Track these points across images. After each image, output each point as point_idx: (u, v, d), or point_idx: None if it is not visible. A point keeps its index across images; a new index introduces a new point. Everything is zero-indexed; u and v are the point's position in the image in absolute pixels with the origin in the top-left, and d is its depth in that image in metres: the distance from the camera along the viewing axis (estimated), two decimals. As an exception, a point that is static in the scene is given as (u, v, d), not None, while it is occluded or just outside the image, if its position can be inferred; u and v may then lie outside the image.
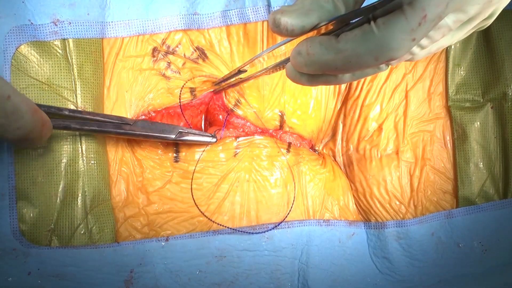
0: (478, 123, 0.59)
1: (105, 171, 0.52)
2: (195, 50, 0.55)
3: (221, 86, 0.55)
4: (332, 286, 0.57)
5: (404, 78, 0.59)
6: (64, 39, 0.49)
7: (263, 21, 0.55)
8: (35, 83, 0.49)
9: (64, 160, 0.50)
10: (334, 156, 0.63)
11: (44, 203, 0.49)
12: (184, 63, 0.55)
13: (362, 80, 0.58)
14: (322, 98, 0.60)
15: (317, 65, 0.36)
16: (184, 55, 0.55)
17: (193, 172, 0.54)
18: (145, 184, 0.54)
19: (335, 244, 0.58)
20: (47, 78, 0.49)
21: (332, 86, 0.61)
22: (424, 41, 0.36)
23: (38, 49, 0.49)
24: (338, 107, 0.62)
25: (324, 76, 0.39)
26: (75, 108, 0.50)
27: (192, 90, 0.55)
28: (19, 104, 0.38)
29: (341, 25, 0.36)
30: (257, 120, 0.58)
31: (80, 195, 0.50)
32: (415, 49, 0.37)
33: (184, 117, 0.55)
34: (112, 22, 0.51)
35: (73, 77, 0.50)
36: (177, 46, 0.54)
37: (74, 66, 0.50)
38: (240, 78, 0.52)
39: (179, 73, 0.55)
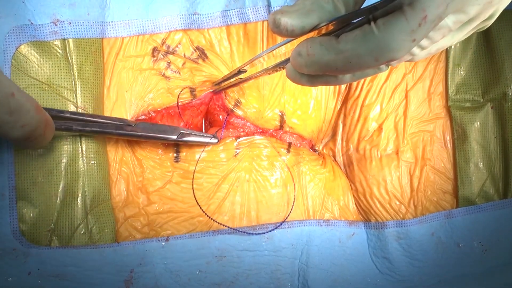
0: (478, 123, 0.59)
1: (105, 171, 0.52)
2: (195, 50, 0.55)
3: (221, 86, 0.55)
4: (332, 286, 0.58)
5: (404, 78, 0.59)
6: (64, 39, 0.49)
7: (263, 21, 0.55)
8: (35, 83, 0.49)
9: (64, 160, 0.50)
10: (334, 156, 0.63)
11: (44, 203, 0.49)
12: (184, 63, 0.55)
13: (362, 80, 0.58)
14: (322, 98, 0.61)
15: (317, 66, 0.36)
16: (184, 55, 0.55)
17: (194, 172, 0.54)
18: (145, 184, 0.54)
19: (335, 244, 0.58)
20: (47, 78, 0.49)
21: (332, 86, 0.61)
22: (424, 42, 0.36)
23: (38, 49, 0.49)
24: (338, 107, 0.62)
25: (324, 76, 0.39)
26: (75, 109, 0.50)
27: (192, 90, 0.55)
28: (23, 102, 0.38)
29: (342, 25, 0.36)
30: (257, 120, 0.58)
31: (80, 195, 0.50)
32: (415, 49, 0.37)
33: (182, 118, 0.55)
34: (112, 22, 0.51)
35: (73, 77, 0.50)
36: (177, 46, 0.54)
37: (74, 66, 0.50)
38: (240, 78, 0.52)
39: (179, 73, 0.55)
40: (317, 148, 0.63)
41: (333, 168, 0.61)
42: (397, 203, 0.58)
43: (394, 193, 0.58)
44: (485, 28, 0.40)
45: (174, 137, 0.52)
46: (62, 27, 0.49)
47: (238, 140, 0.57)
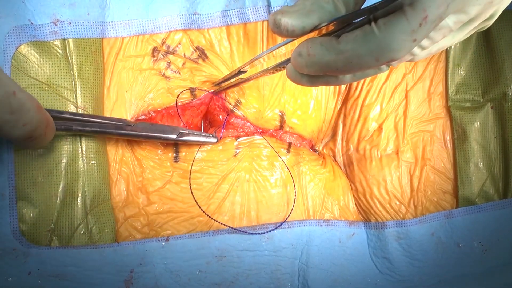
0: (478, 123, 0.59)
1: (105, 171, 0.52)
2: (195, 50, 0.55)
3: (221, 86, 0.55)
4: (332, 286, 0.58)
5: (404, 78, 0.59)
6: (64, 39, 0.49)
7: (263, 21, 0.55)
8: (35, 83, 0.49)
9: (64, 160, 0.50)
10: (334, 156, 0.63)
11: (44, 203, 0.49)
12: (184, 63, 0.55)
13: (362, 80, 0.58)
14: (322, 98, 0.60)
15: (317, 66, 0.36)
16: (184, 55, 0.55)
17: (190, 171, 0.54)
18: (145, 184, 0.54)
19: (335, 244, 0.58)
20: (47, 78, 0.49)
21: (332, 86, 0.61)
22: (424, 42, 0.36)
23: (38, 49, 0.49)
24: (338, 107, 0.62)
25: (324, 76, 0.39)
26: (75, 109, 0.50)
27: (192, 90, 0.55)
28: (25, 101, 0.38)
29: (342, 26, 0.36)
30: (257, 120, 0.58)
31: (80, 195, 0.50)
32: (416, 49, 0.37)
33: (181, 119, 0.55)
34: (112, 22, 0.51)
35: (73, 77, 0.50)
36: (177, 46, 0.54)
37: (74, 66, 0.50)
38: (240, 78, 0.52)
39: (179, 73, 0.55)
40: (317, 148, 0.63)
41: (333, 168, 0.61)
42: (397, 203, 0.58)
43: (394, 193, 0.58)
44: (486, 28, 0.40)
45: (174, 136, 0.52)
46: (62, 27, 0.49)
47: (238, 140, 0.57)
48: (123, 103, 0.53)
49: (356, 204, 0.60)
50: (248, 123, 0.58)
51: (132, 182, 0.54)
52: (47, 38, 0.49)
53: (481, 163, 0.60)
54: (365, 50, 0.32)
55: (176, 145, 0.55)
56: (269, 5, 0.54)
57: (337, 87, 0.61)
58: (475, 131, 0.59)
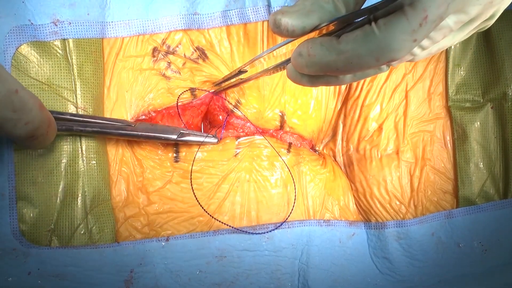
0: (478, 123, 0.59)
1: (105, 171, 0.52)
2: (195, 50, 0.55)
3: (221, 86, 0.55)
4: (332, 286, 0.58)
5: (404, 78, 0.59)
6: (64, 39, 0.49)
7: (263, 21, 0.55)
8: (35, 83, 0.49)
9: (64, 160, 0.50)
10: (334, 156, 0.63)
11: (44, 203, 0.49)
12: (184, 63, 0.55)
13: (362, 80, 0.58)
14: (323, 98, 0.60)
15: (318, 66, 0.36)
16: (184, 55, 0.55)
17: (191, 171, 0.54)
18: (145, 184, 0.54)
19: (336, 244, 0.58)
20: (47, 78, 0.49)
21: (332, 87, 0.61)
22: (425, 42, 0.35)
23: (38, 49, 0.49)
24: (339, 107, 0.62)
25: (325, 76, 0.39)
26: (75, 110, 0.50)
27: (192, 91, 0.55)
28: (27, 99, 0.38)
29: (342, 26, 0.36)
30: (257, 121, 0.58)
31: (80, 195, 0.50)
32: (416, 49, 0.37)
33: (182, 119, 0.55)
34: (112, 22, 0.51)
35: (73, 77, 0.50)
36: (177, 46, 0.54)
37: (74, 66, 0.50)
38: (241, 78, 0.52)
39: (179, 73, 0.55)
40: (317, 148, 0.63)
41: (333, 168, 0.61)
42: (397, 203, 0.58)
43: (394, 193, 0.58)
44: (486, 28, 0.40)
45: (174, 137, 0.52)
46: (62, 27, 0.49)
47: (238, 140, 0.57)
48: (123, 103, 0.53)
49: (356, 204, 0.60)
50: (248, 123, 0.58)
51: (132, 182, 0.54)
52: (47, 38, 0.49)
53: (481, 163, 0.60)
54: (365, 50, 0.32)
55: (176, 145, 0.55)
56: (269, 5, 0.54)
57: (337, 87, 0.61)
58: (475, 131, 0.59)
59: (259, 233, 0.54)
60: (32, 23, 0.48)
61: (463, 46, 0.59)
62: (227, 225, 0.54)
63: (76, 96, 0.50)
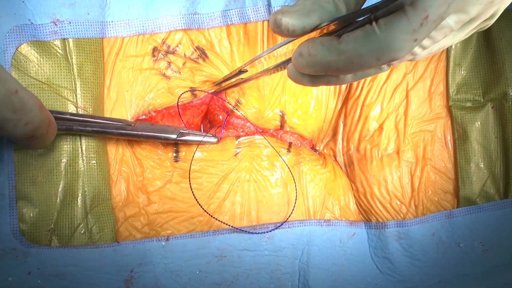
0: (479, 123, 0.59)
1: (105, 170, 0.52)
2: (195, 50, 0.55)
3: (221, 86, 0.55)
4: (332, 286, 0.57)
5: (404, 78, 0.59)
6: (64, 39, 0.49)
7: (263, 21, 0.55)
8: (35, 83, 0.48)
9: (64, 160, 0.50)
10: (334, 156, 0.63)
11: (44, 203, 0.49)
12: (184, 63, 0.55)
13: (363, 80, 0.58)
14: (323, 98, 0.60)
15: (318, 66, 0.36)
16: (185, 54, 0.54)
17: (189, 170, 0.54)
18: (145, 184, 0.54)
19: (336, 244, 0.58)
20: (47, 78, 0.49)
21: (332, 86, 0.60)
22: (425, 42, 0.35)
23: (38, 49, 0.49)
24: (339, 107, 0.62)
25: (325, 76, 0.39)
26: (75, 109, 0.50)
27: (192, 90, 0.55)
28: (27, 99, 0.38)
29: (343, 25, 0.36)
30: (257, 120, 0.58)
31: (80, 195, 0.50)
32: (417, 49, 0.37)
33: (182, 119, 0.55)
34: (112, 21, 0.51)
35: (73, 77, 0.50)
36: (177, 46, 0.54)
37: (74, 66, 0.50)
38: (241, 78, 0.52)
39: (179, 72, 0.55)
40: (317, 148, 0.63)
41: (334, 168, 0.61)
42: (398, 203, 0.58)
43: (395, 193, 0.58)
44: (486, 27, 0.40)
45: (174, 136, 0.52)
46: (62, 27, 0.49)
47: (238, 139, 0.56)
48: (123, 103, 0.53)
49: (356, 204, 0.60)
50: (248, 123, 0.57)
51: (132, 182, 0.54)
52: (47, 38, 0.49)
53: (481, 163, 0.60)
54: (366, 50, 0.32)
55: (176, 145, 0.55)
56: (269, 5, 0.54)
57: (338, 87, 0.61)
58: (476, 131, 0.59)
59: (259, 233, 0.54)
60: (32, 23, 0.48)
61: (464, 46, 0.59)
62: (227, 224, 0.54)
63: (76, 96, 0.50)
